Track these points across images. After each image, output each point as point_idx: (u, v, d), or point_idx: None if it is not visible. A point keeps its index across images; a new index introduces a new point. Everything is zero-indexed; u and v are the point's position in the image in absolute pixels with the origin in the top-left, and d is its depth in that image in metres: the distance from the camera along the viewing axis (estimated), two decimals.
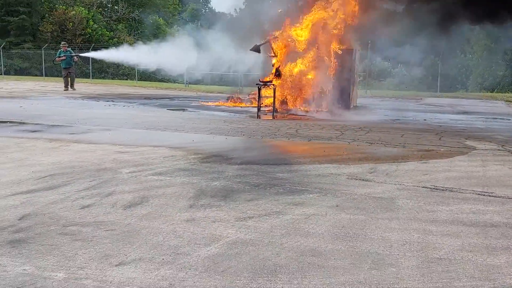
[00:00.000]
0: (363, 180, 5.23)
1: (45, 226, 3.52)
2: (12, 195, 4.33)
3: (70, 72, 21.79)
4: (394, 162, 6.30)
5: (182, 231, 3.50)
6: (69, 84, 21.63)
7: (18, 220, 3.66)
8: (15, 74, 36.91)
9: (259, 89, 12.47)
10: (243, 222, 3.75)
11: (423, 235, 3.56)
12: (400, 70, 31.61)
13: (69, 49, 22.86)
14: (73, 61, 22.14)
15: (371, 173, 5.60)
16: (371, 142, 8.03)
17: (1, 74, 35.41)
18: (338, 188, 4.83)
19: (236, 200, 4.35)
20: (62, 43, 23.94)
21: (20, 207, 3.98)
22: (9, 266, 2.83)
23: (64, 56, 21.70)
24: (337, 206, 4.23)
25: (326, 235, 3.49)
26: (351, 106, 15.01)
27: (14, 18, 39.24)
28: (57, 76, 32.92)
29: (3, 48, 35.50)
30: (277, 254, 3.12)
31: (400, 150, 7.33)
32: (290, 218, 3.87)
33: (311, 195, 4.57)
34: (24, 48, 39.16)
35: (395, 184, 5.07)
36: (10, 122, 9.43)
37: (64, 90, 21.22)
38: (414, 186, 5.03)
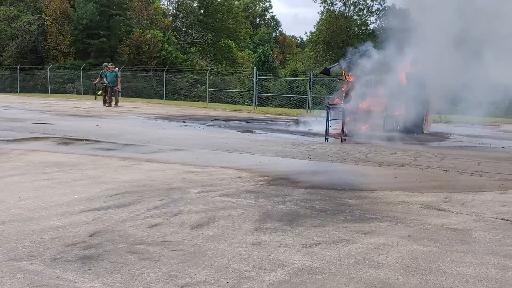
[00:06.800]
0: (437, 209, 4.98)
1: (114, 244, 3.60)
2: (85, 211, 4.48)
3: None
4: (470, 191, 5.97)
5: (247, 255, 3.46)
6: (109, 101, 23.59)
7: (89, 236, 3.76)
8: (93, 94, 38.84)
9: (328, 112, 12.34)
10: (310, 248, 3.65)
11: (502, 271, 3.31)
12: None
13: (116, 69, 25.36)
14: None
15: (445, 202, 5.33)
16: (445, 169, 7.67)
17: (81, 94, 37.40)
18: (410, 217, 4.62)
19: (302, 225, 4.26)
20: (110, 64, 26.12)
21: (92, 223, 4.10)
22: (78, 282, 2.90)
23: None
24: (409, 236, 4.03)
25: (397, 267, 3.32)
26: (425, 131, 14.52)
27: (95, 40, 41.53)
28: (132, 96, 34.40)
29: (83, 69, 37.56)
30: (344, 284, 3.00)
31: (476, 178, 6.94)
32: (359, 247, 3.73)
33: (381, 224, 4.40)
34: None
35: (471, 215, 4.79)
36: (87, 140, 9.86)
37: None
38: (492, 217, 4.72)
